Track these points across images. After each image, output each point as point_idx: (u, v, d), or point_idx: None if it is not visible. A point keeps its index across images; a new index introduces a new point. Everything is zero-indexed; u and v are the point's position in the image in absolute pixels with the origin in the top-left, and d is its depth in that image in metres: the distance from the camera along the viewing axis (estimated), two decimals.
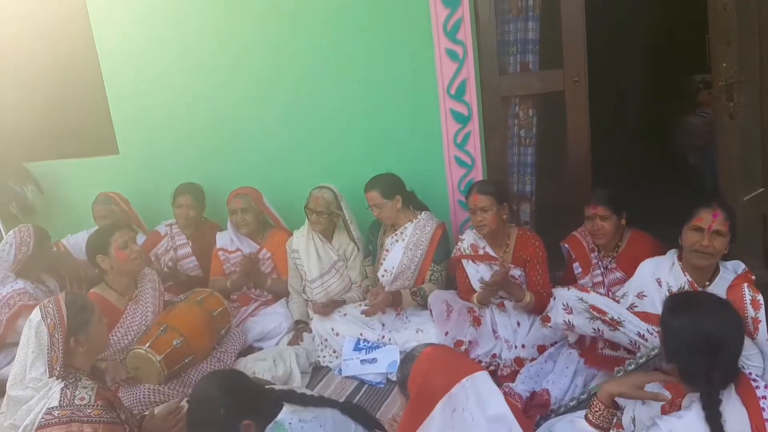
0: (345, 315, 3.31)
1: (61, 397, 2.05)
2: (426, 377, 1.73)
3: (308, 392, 2.38)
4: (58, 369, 2.10)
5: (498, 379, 2.83)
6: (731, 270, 2.45)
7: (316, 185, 3.52)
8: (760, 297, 2.31)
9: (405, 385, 1.79)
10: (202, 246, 3.82)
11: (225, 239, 3.69)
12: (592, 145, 3.47)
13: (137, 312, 3.02)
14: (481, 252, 3.12)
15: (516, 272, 3.05)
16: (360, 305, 3.40)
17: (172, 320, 2.94)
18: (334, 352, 3.26)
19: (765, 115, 3.07)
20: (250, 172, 3.97)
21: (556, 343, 2.87)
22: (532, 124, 3.60)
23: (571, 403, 2.52)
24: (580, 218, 3.18)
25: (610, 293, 2.77)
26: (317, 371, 3.21)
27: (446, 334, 2.96)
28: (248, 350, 3.33)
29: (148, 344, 2.80)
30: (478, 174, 3.56)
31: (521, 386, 2.69)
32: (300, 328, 3.40)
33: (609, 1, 3.92)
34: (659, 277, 2.55)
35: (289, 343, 3.31)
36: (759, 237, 3.29)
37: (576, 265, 3.08)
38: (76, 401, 2.06)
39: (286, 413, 2.04)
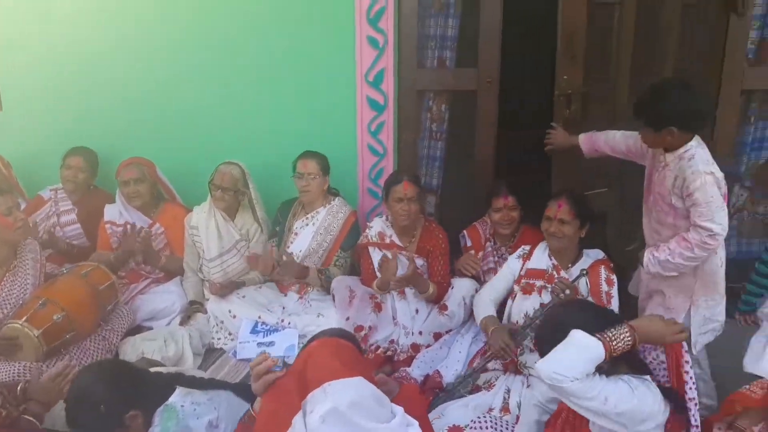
0: (243, 297, 3.22)
1: None
2: (304, 366, 1.65)
3: (199, 374, 2.30)
4: None
5: (395, 364, 2.88)
6: (592, 256, 2.73)
7: (220, 162, 3.39)
8: (614, 277, 2.65)
9: None
10: (89, 214, 3.55)
11: (113, 212, 3.45)
12: (498, 144, 3.60)
13: (15, 284, 2.75)
14: (387, 240, 3.15)
15: (419, 262, 3.11)
16: (260, 287, 3.32)
17: (52, 294, 2.71)
18: (230, 334, 3.16)
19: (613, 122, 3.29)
20: (145, 142, 3.72)
21: (450, 330, 2.96)
22: (444, 119, 3.69)
23: (457, 381, 2.63)
24: (480, 212, 3.31)
25: None
26: (210, 353, 3.11)
27: (347, 319, 2.96)
28: (137, 329, 3.15)
29: (24, 318, 2.56)
30: (389, 163, 3.58)
31: (416, 371, 2.75)
32: (194, 308, 3.26)
33: (526, 6, 4.08)
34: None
35: (181, 324, 3.17)
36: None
37: (471, 252, 3.20)
38: None
39: (178, 396, 1.97)
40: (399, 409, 1.62)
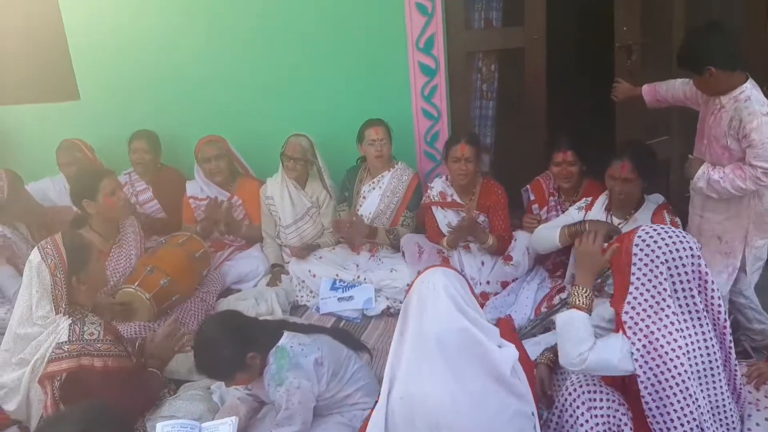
0: (321, 258, 3.50)
1: (69, 332, 2.17)
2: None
3: (300, 321, 2.60)
4: (63, 307, 2.20)
5: None
6: (653, 201, 2.88)
7: (289, 134, 3.64)
8: (677, 219, 2.79)
9: None
10: (164, 190, 3.88)
11: (194, 188, 3.76)
12: (549, 101, 3.74)
13: (121, 255, 3.10)
14: (449, 199, 3.37)
15: (480, 218, 3.32)
16: (334, 249, 3.60)
17: (157, 261, 3.04)
18: (311, 292, 3.46)
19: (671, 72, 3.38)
20: (213, 121, 3.98)
21: (516, 279, 3.19)
22: (494, 78, 3.83)
23: (528, 324, 2.87)
24: (534, 168, 3.48)
25: None
26: (295, 309, 3.41)
27: (418, 272, 3.18)
28: (227, 292, 3.47)
29: (137, 283, 2.90)
30: (444, 126, 3.77)
31: (488, 316, 2.99)
32: (276, 270, 3.57)
33: None
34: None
35: (268, 285, 3.48)
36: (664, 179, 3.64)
37: (535, 206, 3.38)
38: (85, 336, 2.18)
39: (286, 339, 2.25)
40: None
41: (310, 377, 2.20)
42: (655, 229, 1.88)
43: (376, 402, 2.34)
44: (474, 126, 3.92)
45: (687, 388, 1.79)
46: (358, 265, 3.46)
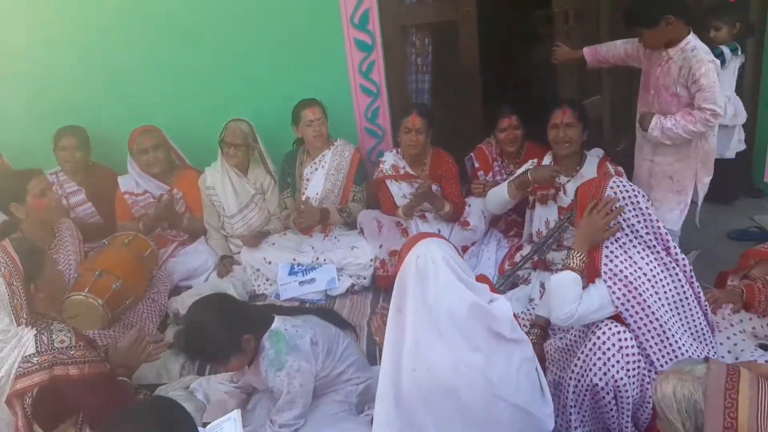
0: (274, 244, 3.39)
1: (37, 343, 1.95)
2: (403, 250, 1.93)
3: (283, 304, 2.51)
4: (24, 317, 1.98)
5: None
6: (594, 155, 3.07)
7: (222, 120, 3.48)
8: (620, 168, 2.99)
9: None
10: (97, 191, 3.57)
11: (129, 182, 3.50)
12: (484, 70, 3.84)
13: (60, 261, 2.82)
14: (401, 172, 3.38)
15: (433, 188, 3.35)
16: (284, 234, 3.49)
17: (104, 264, 2.80)
18: (267, 279, 3.34)
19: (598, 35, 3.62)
20: (138, 112, 3.68)
21: (474, 243, 3.27)
22: (428, 52, 3.87)
23: (499, 284, 2.94)
24: (472, 138, 3.57)
25: None
26: (253, 299, 3.28)
27: (380, 246, 3.20)
28: (175, 290, 3.27)
29: (86, 289, 2.66)
30: (384, 102, 3.75)
31: None
32: (226, 261, 3.41)
33: None
34: None
35: (219, 276, 3.32)
36: (598, 136, 3.88)
37: (481, 173, 3.47)
38: (55, 344, 1.97)
39: (279, 322, 2.17)
40: (484, 286, 1.90)
41: (308, 358, 2.14)
42: (619, 183, 2.10)
43: (369, 378, 2.38)
44: (412, 100, 3.94)
45: (658, 318, 1.98)
46: (313, 247, 3.39)
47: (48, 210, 2.74)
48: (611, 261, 2.04)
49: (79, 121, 3.67)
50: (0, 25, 3.62)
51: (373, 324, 2.19)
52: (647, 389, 1.99)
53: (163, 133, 3.52)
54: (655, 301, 1.99)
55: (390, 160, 3.41)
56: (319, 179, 3.45)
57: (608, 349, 1.94)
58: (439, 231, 3.31)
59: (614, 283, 1.99)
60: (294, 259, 3.32)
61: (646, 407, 2.01)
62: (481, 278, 2.92)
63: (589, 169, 2.99)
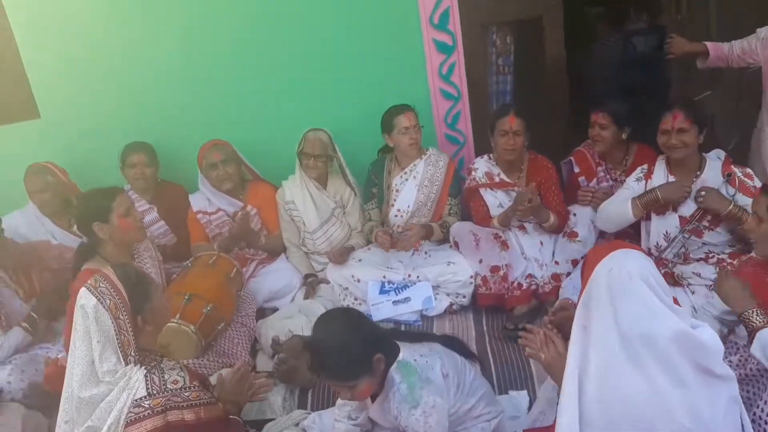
0: (360, 261, 3.16)
1: (148, 384, 1.73)
2: (590, 257, 1.70)
3: (407, 330, 2.28)
4: (132, 354, 1.76)
5: (540, 296, 2.89)
6: (715, 158, 2.76)
7: (298, 131, 3.27)
8: (748, 170, 2.72)
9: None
10: (169, 209, 3.37)
11: (201, 200, 3.29)
12: (570, 69, 3.59)
13: None
14: (496, 179, 3.12)
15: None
16: (369, 249, 3.25)
17: (192, 287, 2.58)
18: (356, 299, 3.11)
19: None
20: (207, 128, 3.48)
21: (584, 256, 2.98)
22: (510, 51, 3.64)
23: None
24: (559, 143, 3.30)
25: None
26: None
27: (480, 261, 2.94)
28: (260, 312, 3.04)
29: (177, 316, 2.44)
30: (465, 106, 3.52)
31: (571, 297, 2.75)
32: (311, 281, 3.18)
33: None
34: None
35: (305, 298, 3.09)
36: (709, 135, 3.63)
37: (582, 179, 3.20)
38: (168, 386, 1.75)
39: (406, 352, 1.93)
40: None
41: (442, 393, 1.89)
42: None
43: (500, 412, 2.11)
44: (492, 103, 3.70)
45: None
46: (402, 262, 3.14)
47: (132, 230, 2.53)
48: None
49: (144, 137, 3.49)
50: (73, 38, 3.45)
51: (528, 336, 1.92)
52: None
53: (232, 146, 3.32)
54: None
55: (483, 167, 3.16)
56: (411, 190, 3.19)
57: None
58: (541, 243, 3.06)
59: None
60: (384, 277, 3.08)
61: None
62: None
63: (712, 174, 2.68)
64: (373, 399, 1.97)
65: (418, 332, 2.18)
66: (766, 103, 2.69)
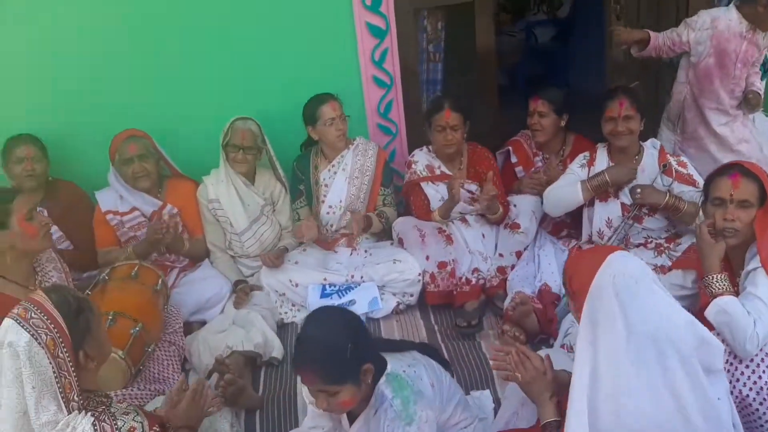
0: (296, 263, 2.92)
1: None
2: (576, 266, 1.63)
3: (388, 339, 2.12)
4: (75, 399, 1.43)
5: (489, 290, 2.82)
6: (651, 146, 2.84)
7: (220, 121, 2.95)
8: (683, 158, 2.85)
9: (565, 286, 1.64)
10: (62, 211, 2.90)
11: (111, 199, 2.87)
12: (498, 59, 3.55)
13: None
14: (437, 172, 3.02)
15: (472, 187, 3.02)
16: (304, 250, 3.02)
17: (114, 305, 2.21)
18: (293, 305, 2.88)
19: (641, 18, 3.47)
20: (114, 118, 3.03)
21: (526, 247, 2.96)
22: (441, 38, 3.52)
23: None
24: (491, 132, 3.26)
25: None
26: (281, 329, 2.80)
27: (427, 258, 2.82)
28: (186, 327, 2.70)
29: None
30: (398, 94, 3.36)
31: (517, 289, 2.70)
32: (242, 288, 2.88)
33: None
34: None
35: (237, 307, 2.79)
36: None
37: (519, 168, 3.17)
38: None
39: (394, 363, 1.79)
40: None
41: (432, 405, 1.78)
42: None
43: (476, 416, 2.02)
44: (423, 92, 3.58)
45: None
46: (342, 264, 2.94)
47: (37, 237, 2.11)
48: None
49: (28, 129, 2.98)
50: None
51: (499, 356, 1.81)
52: None
53: (151, 139, 2.92)
54: None
55: (423, 159, 3.03)
56: (341, 184, 3.00)
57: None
58: (483, 236, 2.99)
59: None
60: (324, 279, 2.87)
61: None
62: (546, 293, 2.67)
63: (651, 161, 2.75)
64: (351, 419, 1.79)
65: (398, 341, 2.02)
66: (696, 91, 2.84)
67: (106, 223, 2.84)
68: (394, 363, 1.75)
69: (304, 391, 1.90)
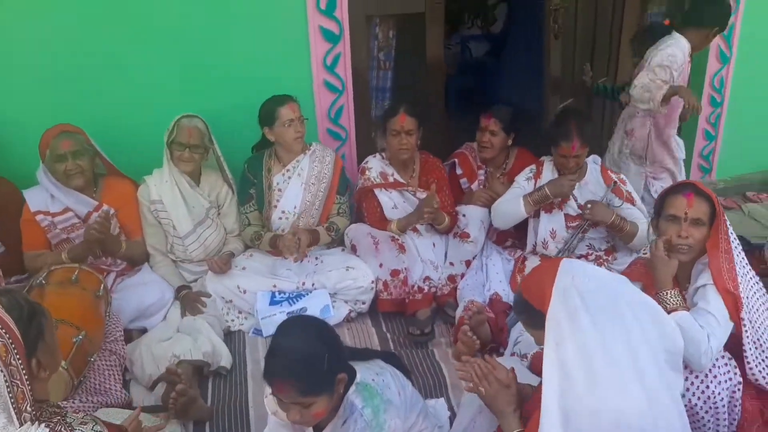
0: (244, 269, 2.82)
1: None
2: (532, 279, 1.68)
3: (352, 347, 2.09)
4: (27, 409, 1.30)
5: (439, 298, 2.85)
6: (592, 161, 2.97)
7: (148, 119, 2.85)
8: (622, 175, 2.99)
9: (523, 304, 1.65)
10: None
11: (41, 198, 2.65)
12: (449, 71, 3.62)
13: None
14: (391, 179, 3.02)
15: (423, 196, 3.04)
16: (251, 255, 2.93)
17: (54, 311, 1.96)
18: (240, 312, 2.78)
19: (578, 37, 3.66)
20: (49, 110, 2.82)
21: (475, 256, 3.02)
22: (392, 46, 3.54)
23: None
24: (437, 143, 3.32)
25: None
26: (227, 337, 2.70)
27: (380, 266, 2.81)
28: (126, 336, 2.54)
29: None
30: (349, 100, 3.33)
31: (468, 297, 2.75)
32: (185, 294, 2.74)
33: None
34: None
35: (190, 313, 2.65)
36: None
37: (464, 180, 3.24)
38: None
39: (363, 372, 1.77)
40: None
41: (400, 413, 1.77)
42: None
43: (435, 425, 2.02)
44: (373, 99, 3.58)
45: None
46: (292, 270, 2.88)
47: None
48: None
49: None
50: None
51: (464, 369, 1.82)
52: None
53: (85, 134, 2.73)
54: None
55: (377, 166, 3.02)
56: (296, 190, 2.92)
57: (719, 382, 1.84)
58: (434, 245, 3.02)
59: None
60: (274, 286, 2.79)
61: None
62: (497, 302, 2.73)
63: (594, 178, 2.89)
64: (317, 429, 1.75)
65: (363, 349, 1.99)
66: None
67: (36, 224, 2.62)
68: (362, 372, 1.73)
69: (266, 402, 1.83)
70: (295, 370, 1.52)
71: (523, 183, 2.94)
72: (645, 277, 2.22)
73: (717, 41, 3.57)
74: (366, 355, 1.89)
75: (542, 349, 2.23)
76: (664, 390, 1.53)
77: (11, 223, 2.65)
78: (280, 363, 1.55)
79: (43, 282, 2.20)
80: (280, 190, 2.94)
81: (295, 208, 2.92)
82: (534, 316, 1.62)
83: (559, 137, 2.77)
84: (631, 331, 1.51)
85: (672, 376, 1.58)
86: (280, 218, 2.92)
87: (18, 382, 1.28)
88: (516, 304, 1.73)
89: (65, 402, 1.95)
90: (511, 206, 2.85)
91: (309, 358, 1.54)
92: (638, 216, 2.75)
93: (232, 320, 2.76)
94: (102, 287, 2.32)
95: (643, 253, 2.57)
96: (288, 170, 2.95)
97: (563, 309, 1.53)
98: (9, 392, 1.26)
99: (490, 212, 3.00)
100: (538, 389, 1.81)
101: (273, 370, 1.56)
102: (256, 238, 2.90)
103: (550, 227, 2.88)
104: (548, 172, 2.93)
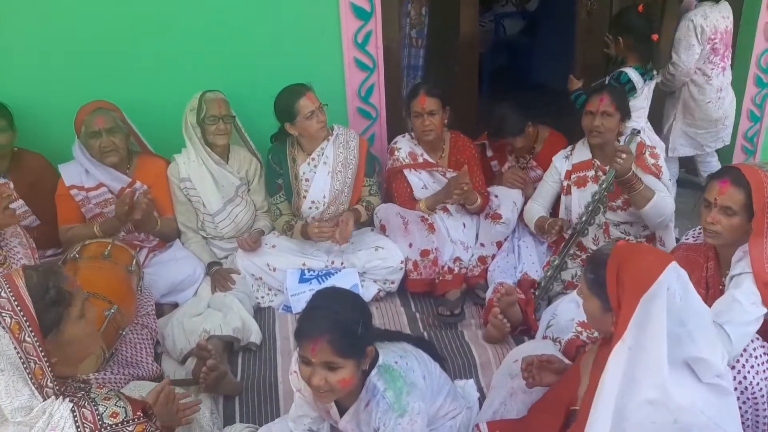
0: (274, 247, 2.82)
1: (77, 422, 1.32)
2: (625, 265, 1.56)
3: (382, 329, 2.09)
4: (49, 385, 1.32)
5: (470, 280, 2.81)
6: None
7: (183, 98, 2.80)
8: (657, 151, 2.83)
9: (601, 283, 1.59)
10: (29, 185, 2.71)
11: (76, 173, 2.69)
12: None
13: None
14: (420, 160, 2.98)
15: (453, 175, 2.99)
16: (277, 235, 2.92)
17: (87, 285, 1.99)
18: (270, 290, 2.79)
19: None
20: (79, 89, 2.85)
21: (506, 237, 2.96)
22: (424, 24, 3.48)
23: (548, 273, 2.67)
24: (468, 122, 3.22)
25: None
26: (257, 313, 2.71)
27: (410, 245, 2.78)
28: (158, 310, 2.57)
29: None
30: (380, 78, 3.28)
31: (499, 279, 2.70)
32: (216, 270, 2.76)
33: None
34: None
35: (221, 290, 2.67)
36: None
37: (494, 163, 3.18)
38: (105, 421, 1.35)
39: (387, 355, 1.74)
40: None
41: (424, 396, 1.76)
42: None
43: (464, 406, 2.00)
44: (404, 77, 3.53)
45: None
46: (322, 250, 2.87)
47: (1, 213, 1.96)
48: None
49: None
50: None
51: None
52: None
53: (121, 111, 2.76)
54: None
55: (406, 146, 2.98)
56: (323, 179, 2.84)
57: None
58: (464, 226, 2.97)
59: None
60: (304, 264, 2.79)
61: None
62: (526, 281, 2.67)
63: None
64: (341, 411, 1.74)
65: (392, 331, 1.99)
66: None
67: (70, 198, 2.66)
68: (386, 354, 1.71)
69: (291, 379, 1.84)
70: (331, 328, 1.54)
71: (559, 162, 2.85)
72: (684, 261, 2.15)
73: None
74: (395, 337, 1.87)
75: (577, 332, 2.20)
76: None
77: (47, 197, 2.70)
78: (316, 320, 1.57)
79: (77, 256, 2.24)
80: (307, 180, 2.87)
81: (324, 197, 2.86)
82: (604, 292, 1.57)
83: (590, 93, 2.72)
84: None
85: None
86: (311, 208, 2.87)
87: (35, 358, 1.30)
88: (593, 268, 1.64)
89: (97, 374, 1.98)
90: (531, 216, 2.84)
91: (346, 319, 1.57)
92: (658, 187, 2.63)
93: (262, 297, 2.77)
94: (134, 262, 2.35)
95: (685, 239, 2.46)
96: (313, 159, 2.86)
97: (652, 316, 1.47)
98: (26, 369, 1.28)
99: (522, 193, 2.95)
100: (553, 387, 1.79)
101: (308, 326, 1.57)
102: (288, 228, 2.86)
103: (585, 201, 2.77)
104: (582, 147, 2.83)
